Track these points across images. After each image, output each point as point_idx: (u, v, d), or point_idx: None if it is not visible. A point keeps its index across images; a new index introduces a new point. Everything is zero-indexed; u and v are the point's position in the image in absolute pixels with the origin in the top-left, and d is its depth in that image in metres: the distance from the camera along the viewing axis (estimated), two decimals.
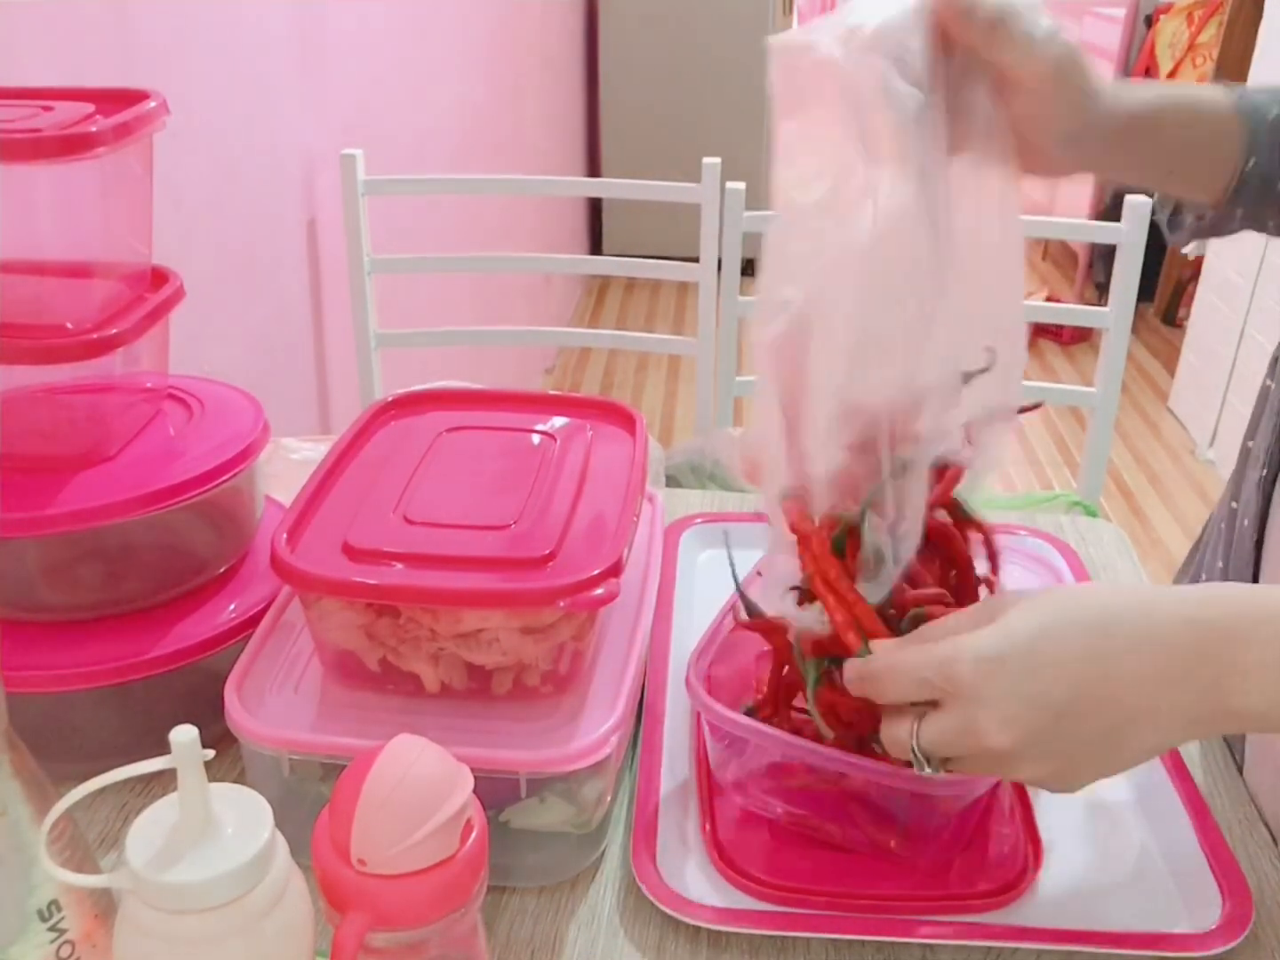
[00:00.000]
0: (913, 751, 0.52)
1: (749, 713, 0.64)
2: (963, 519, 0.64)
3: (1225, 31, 3.34)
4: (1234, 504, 0.76)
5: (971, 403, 0.59)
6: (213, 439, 0.71)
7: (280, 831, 0.44)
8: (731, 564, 0.69)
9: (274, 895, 0.42)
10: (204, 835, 0.42)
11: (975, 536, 0.64)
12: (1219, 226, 0.71)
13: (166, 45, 1.17)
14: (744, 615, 0.67)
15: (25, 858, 0.45)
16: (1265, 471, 0.71)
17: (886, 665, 0.53)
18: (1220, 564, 0.78)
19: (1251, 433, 0.74)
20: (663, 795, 0.66)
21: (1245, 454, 0.75)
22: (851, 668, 0.55)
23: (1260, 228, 0.70)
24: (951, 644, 0.51)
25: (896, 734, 0.53)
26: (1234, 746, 0.75)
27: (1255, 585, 0.53)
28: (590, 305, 4.10)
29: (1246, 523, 0.72)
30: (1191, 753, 0.72)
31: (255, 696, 0.63)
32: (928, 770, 0.53)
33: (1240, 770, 0.73)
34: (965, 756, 0.52)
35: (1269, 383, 0.72)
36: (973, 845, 0.64)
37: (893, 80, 0.50)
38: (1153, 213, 0.73)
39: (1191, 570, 0.86)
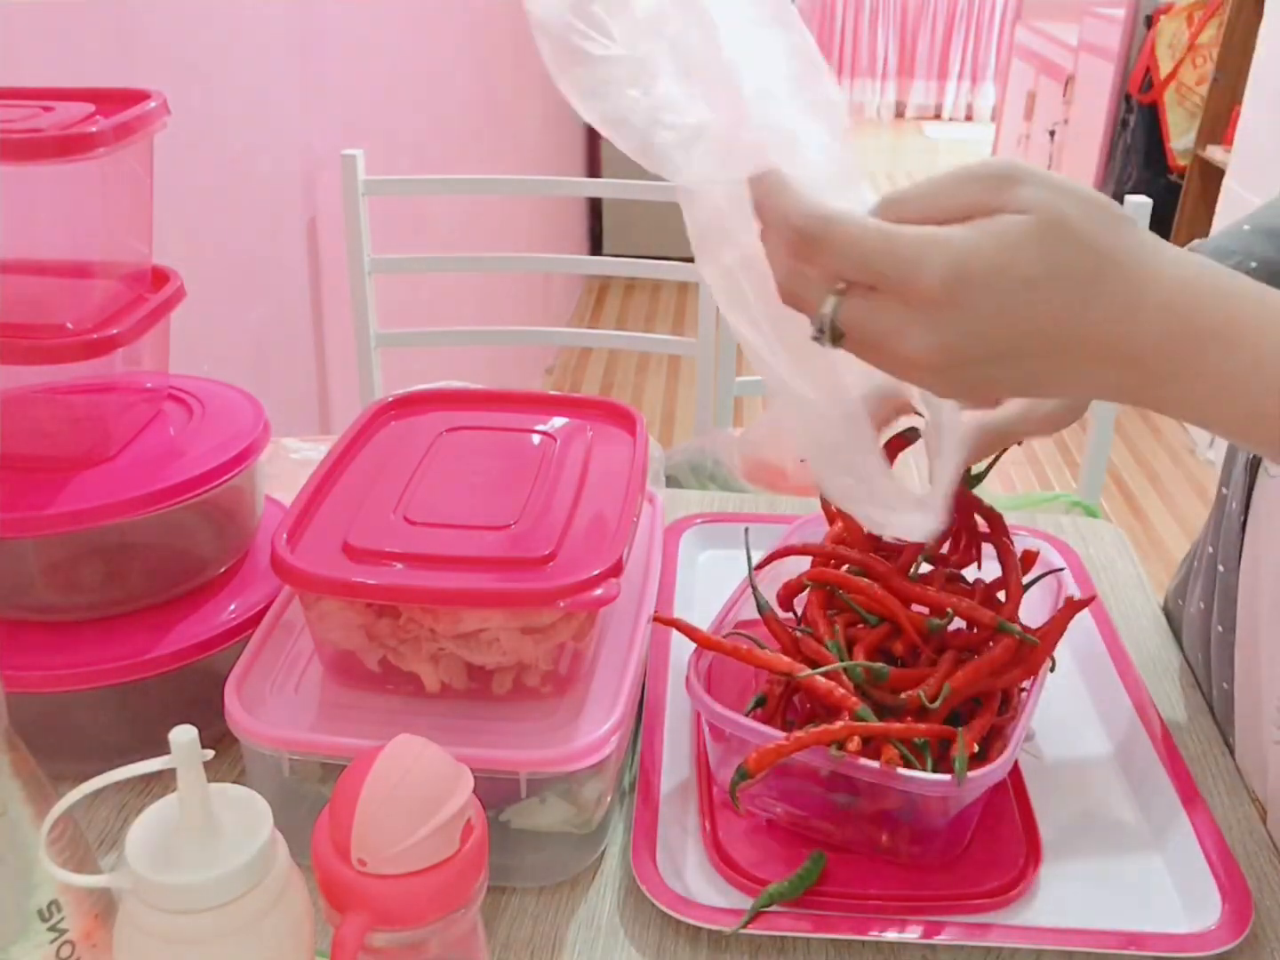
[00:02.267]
0: (822, 317, 0.48)
1: (760, 703, 0.64)
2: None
3: (1225, 32, 3.34)
4: (1224, 490, 0.76)
5: None
6: (213, 439, 0.71)
7: (280, 831, 0.44)
8: (749, 557, 0.70)
9: (274, 895, 0.42)
10: (204, 835, 0.42)
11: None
12: None
13: (166, 45, 1.17)
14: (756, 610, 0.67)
15: (25, 858, 0.45)
16: (1252, 455, 0.71)
17: (842, 235, 0.47)
18: (1210, 549, 0.78)
19: None
20: (663, 795, 0.66)
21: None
22: (796, 212, 0.48)
23: None
24: (919, 247, 0.46)
25: (808, 293, 0.48)
26: (1223, 721, 0.75)
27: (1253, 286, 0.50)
28: (590, 305, 4.10)
29: (1234, 505, 0.73)
30: (1191, 752, 0.72)
31: (255, 696, 0.63)
32: (823, 340, 0.48)
33: (1233, 754, 0.73)
34: (872, 347, 0.48)
35: None
36: (973, 845, 0.64)
37: None
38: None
39: (1187, 562, 0.87)
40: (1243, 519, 0.72)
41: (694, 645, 0.67)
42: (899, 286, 0.46)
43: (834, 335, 0.48)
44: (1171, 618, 0.88)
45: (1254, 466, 0.72)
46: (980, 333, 0.46)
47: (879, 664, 0.62)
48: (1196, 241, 0.76)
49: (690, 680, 0.64)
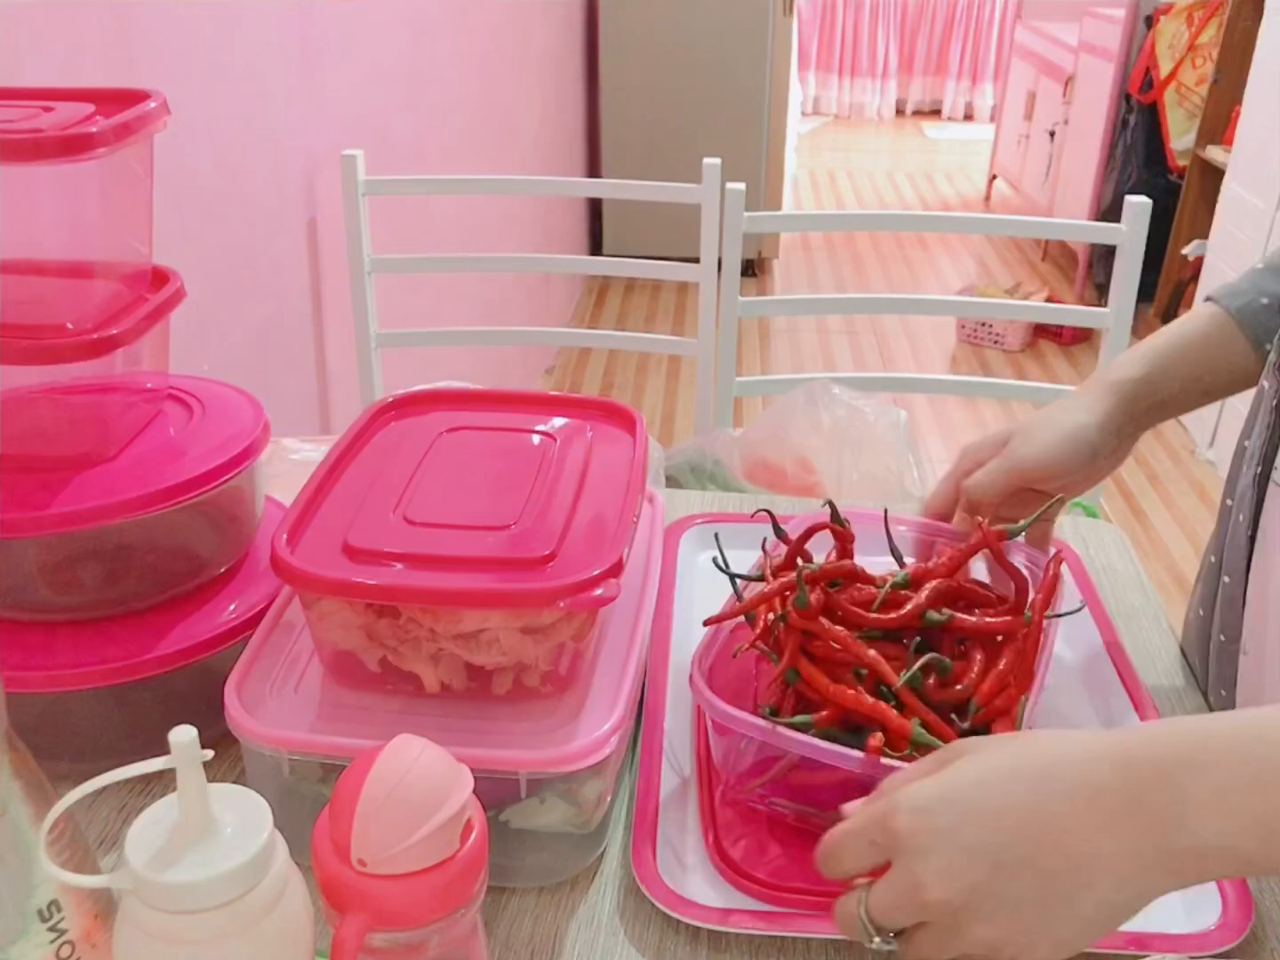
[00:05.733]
0: (861, 922, 0.49)
1: (772, 713, 0.64)
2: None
3: (1225, 32, 3.34)
4: (1228, 501, 0.76)
5: None
6: (213, 439, 0.71)
7: (280, 831, 0.44)
8: (723, 558, 0.70)
9: (274, 895, 0.43)
10: (204, 835, 0.42)
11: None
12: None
13: (166, 45, 1.17)
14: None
15: (25, 858, 0.45)
16: (1260, 469, 0.71)
17: (840, 834, 0.51)
18: (1213, 558, 0.78)
19: (1247, 432, 0.75)
20: (663, 795, 0.66)
21: (1241, 452, 0.75)
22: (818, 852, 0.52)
23: None
24: (890, 798, 0.49)
25: (846, 907, 0.51)
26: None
27: (1201, 718, 0.50)
28: (590, 305, 4.10)
29: (1242, 518, 0.73)
30: None
31: (255, 697, 0.63)
32: (876, 942, 0.49)
33: None
34: (914, 921, 0.49)
35: (1264, 383, 0.72)
36: None
37: None
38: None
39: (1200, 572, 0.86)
40: (1250, 532, 0.72)
41: (694, 646, 0.67)
42: (888, 841, 0.48)
43: (881, 933, 0.49)
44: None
45: (1262, 480, 0.71)
46: (972, 843, 0.47)
47: (942, 658, 0.64)
48: (1216, 288, 0.78)
49: (694, 677, 0.63)
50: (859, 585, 0.68)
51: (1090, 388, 0.77)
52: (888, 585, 0.67)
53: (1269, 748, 0.46)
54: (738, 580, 0.70)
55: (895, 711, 0.61)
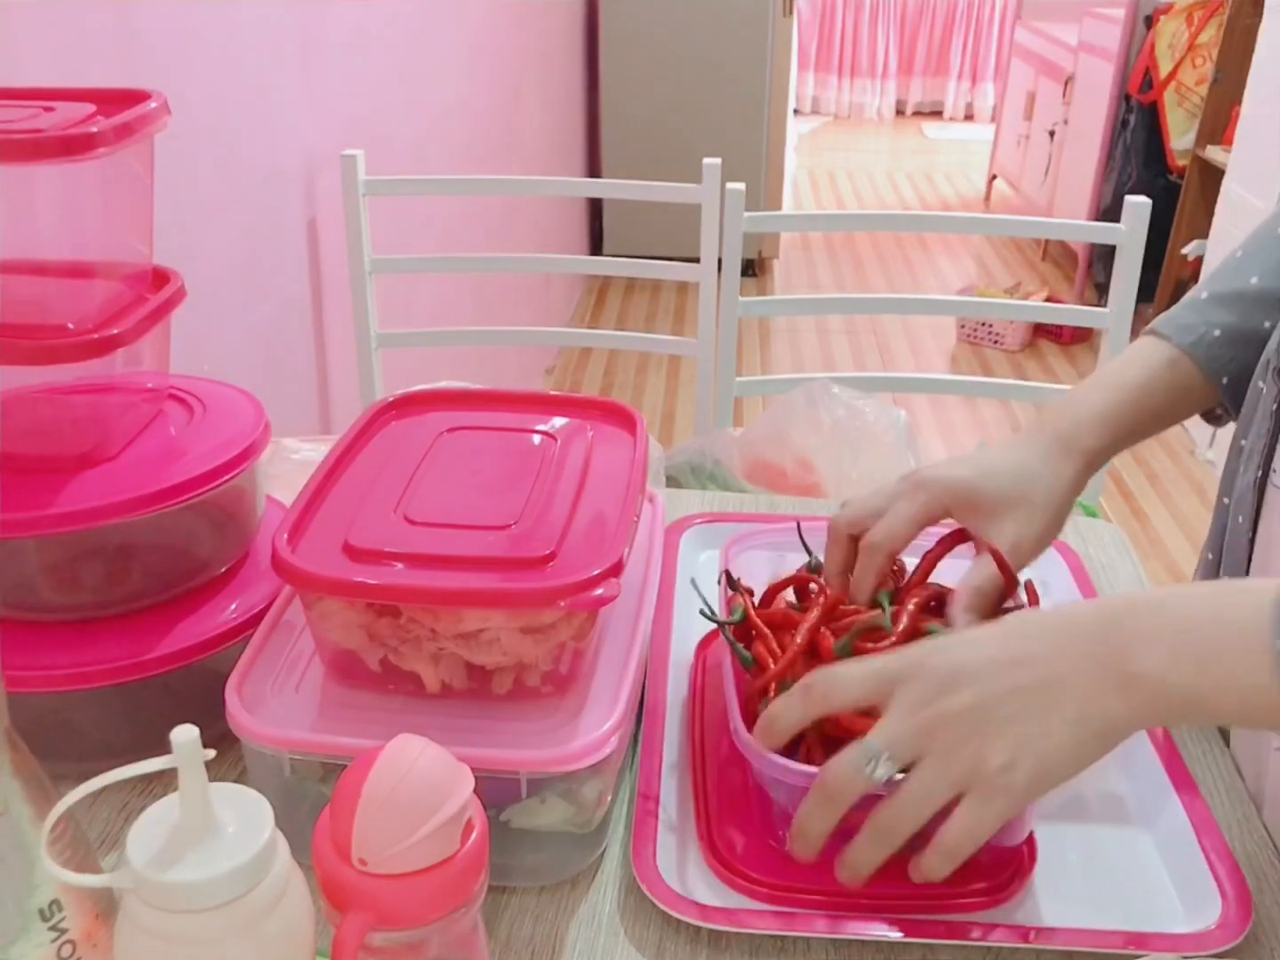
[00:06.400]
0: (870, 754, 0.54)
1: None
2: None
3: (1225, 31, 3.34)
4: (1225, 500, 0.76)
5: None
6: (214, 439, 0.71)
7: (280, 831, 0.44)
8: (705, 603, 0.70)
9: (274, 895, 0.43)
10: (205, 835, 0.42)
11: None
12: (1231, 408, 0.78)
13: (167, 45, 1.17)
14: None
15: (26, 857, 0.45)
16: (1260, 472, 0.71)
17: (841, 670, 0.57)
18: (1210, 555, 0.78)
19: (1244, 431, 0.75)
20: (663, 795, 0.66)
21: (1238, 451, 0.75)
22: (808, 678, 0.58)
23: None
24: (882, 658, 0.57)
25: (847, 756, 0.55)
26: (1224, 735, 0.75)
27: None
28: (590, 305, 4.10)
29: (1241, 519, 0.73)
30: (1191, 751, 0.72)
31: (256, 696, 0.63)
32: (882, 770, 0.54)
33: (1227, 744, 0.74)
34: (917, 748, 0.54)
35: (1260, 385, 0.72)
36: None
37: None
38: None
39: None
40: (1250, 535, 0.72)
41: (693, 646, 0.67)
42: (904, 668, 0.56)
43: (888, 762, 0.54)
44: None
45: (1261, 483, 0.72)
46: (981, 657, 0.55)
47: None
48: (1157, 320, 0.79)
49: (738, 731, 0.62)
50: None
51: (1041, 442, 0.73)
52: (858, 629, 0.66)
53: (1214, 605, 0.53)
54: (728, 627, 0.69)
55: None
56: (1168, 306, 0.83)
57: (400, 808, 0.44)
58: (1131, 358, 0.77)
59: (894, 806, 0.54)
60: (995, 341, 3.79)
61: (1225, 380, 0.75)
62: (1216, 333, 0.75)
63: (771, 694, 0.64)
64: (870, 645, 0.65)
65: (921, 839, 0.61)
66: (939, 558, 0.71)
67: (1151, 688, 0.52)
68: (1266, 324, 0.74)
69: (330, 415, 1.71)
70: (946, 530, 0.72)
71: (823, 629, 0.66)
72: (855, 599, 0.70)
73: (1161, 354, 0.76)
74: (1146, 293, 3.20)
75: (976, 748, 0.53)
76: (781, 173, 4.27)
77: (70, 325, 0.66)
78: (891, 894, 0.61)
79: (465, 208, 2.37)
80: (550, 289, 3.52)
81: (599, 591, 0.59)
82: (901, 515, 0.69)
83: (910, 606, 0.67)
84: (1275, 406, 0.70)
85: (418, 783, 0.45)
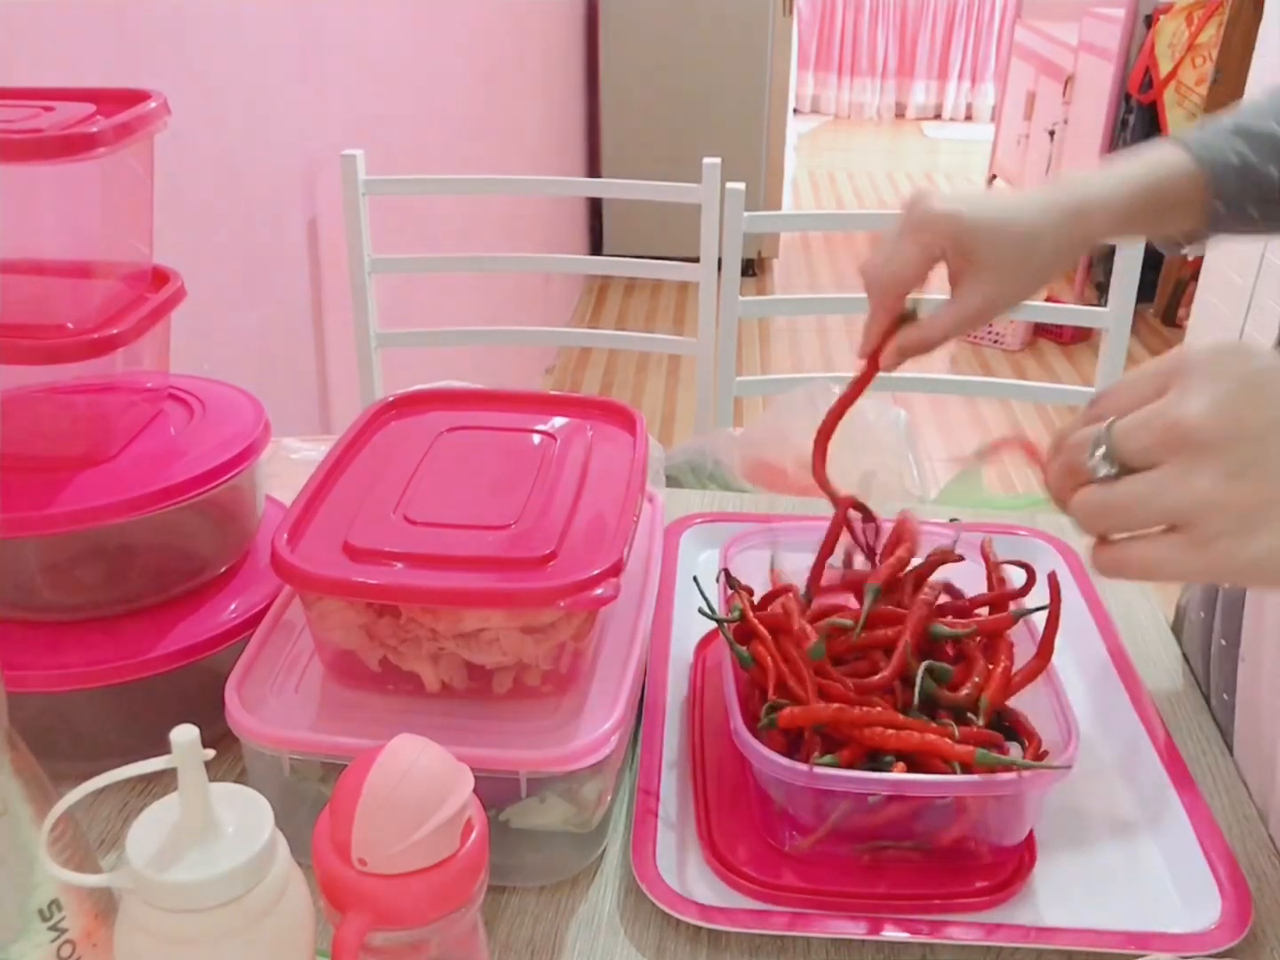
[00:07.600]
0: (1098, 435, 0.48)
1: (771, 709, 0.63)
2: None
3: (1225, 31, 3.34)
4: None
5: None
6: (214, 439, 0.71)
7: (280, 831, 0.44)
8: (705, 600, 0.70)
9: (274, 895, 0.43)
10: (204, 835, 0.42)
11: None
12: (1204, 238, 0.78)
13: (166, 45, 1.17)
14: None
15: (26, 857, 0.45)
16: None
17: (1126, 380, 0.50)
18: None
19: None
20: (663, 795, 0.66)
21: None
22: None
23: (1244, 230, 0.75)
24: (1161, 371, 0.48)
25: (1080, 430, 0.50)
26: (1224, 730, 0.75)
27: None
28: (590, 305, 4.10)
29: None
30: (1191, 752, 0.72)
31: (256, 696, 0.63)
32: (1098, 458, 0.48)
33: (1231, 751, 0.73)
34: (1152, 450, 0.47)
35: None
36: (972, 844, 0.64)
37: None
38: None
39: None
40: None
41: (692, 645, 0.67)
42: (1175, 363, 0.48)
43: (1110, 459, 0.48)
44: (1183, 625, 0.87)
45: None
46: (1263, 388, 0.46)
47: (941, 665, 0.64)
48: (1184, 135, 0.77)
49: (739, 731, 0.61)
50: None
51: (1056, 203, 0.72)
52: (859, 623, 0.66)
53: None
54: (725, 623, 0.69)
55: (949, 742, 0.60)
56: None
57: (400, 808, 0.44)
58: (1150, 158, 0.76)
59: (1101, 493, 0.49)
60: (995, 341, 3.79)
61: (1221, 207, 0.74)
62: (1234, 161, 0.74)
63: (771, 695, 0.64)
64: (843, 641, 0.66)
65: (925, 839, 0.62)
66: (928, 575, 0.71)
67: None
68: (1275, 171, 0.74)
69: (330, 415, 1.71)
70: (935, 548, 0.73)
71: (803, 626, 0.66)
72: (862, 350, 0.72)
73: (1180, 166, 0.75)
74: (1146, 292, 3.20)
75: (1213, 491, 0.45)
76: (781, 172, 4.27)
77: (70, 325, 0.66)
78: (892, 894, 0.61)
79: (465, 208, 2.37)
80: (550, 289, 3.52)
81: (599, 591, 0.59)
82: (907, 258, 0.70)
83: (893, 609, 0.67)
84: None
85: (417, 783, 0.45)
